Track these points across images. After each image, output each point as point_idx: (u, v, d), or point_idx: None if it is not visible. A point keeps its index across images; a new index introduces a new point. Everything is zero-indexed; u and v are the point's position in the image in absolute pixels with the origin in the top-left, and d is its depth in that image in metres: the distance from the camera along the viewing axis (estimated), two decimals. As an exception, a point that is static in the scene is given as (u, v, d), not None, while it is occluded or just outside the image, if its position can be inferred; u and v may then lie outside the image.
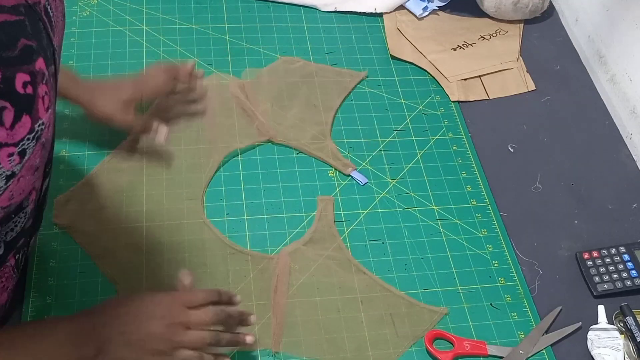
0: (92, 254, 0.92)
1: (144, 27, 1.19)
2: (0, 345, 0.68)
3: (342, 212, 1.01)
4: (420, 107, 1.16)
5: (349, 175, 1.04)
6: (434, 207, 1.03)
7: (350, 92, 1.15)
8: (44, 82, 0.62)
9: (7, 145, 0.58)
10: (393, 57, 1.22)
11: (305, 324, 0.89)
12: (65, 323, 0.72)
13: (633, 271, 0.97)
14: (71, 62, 1.12)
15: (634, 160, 1.13)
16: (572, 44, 1.29)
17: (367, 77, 1.18)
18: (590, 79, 1.24)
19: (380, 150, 1.09)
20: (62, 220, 0.94)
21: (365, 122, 1.12)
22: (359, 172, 1.05)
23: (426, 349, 0.89)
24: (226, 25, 1.22)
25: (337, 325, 0.90)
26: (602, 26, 1.24)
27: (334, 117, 1.11)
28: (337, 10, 1.28)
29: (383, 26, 1.27)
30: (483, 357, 0.90)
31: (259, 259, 0.94)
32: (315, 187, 1.03)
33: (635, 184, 1.10)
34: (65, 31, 1.15)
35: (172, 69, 0.99)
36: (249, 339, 0.79)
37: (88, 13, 1.20)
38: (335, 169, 1.05)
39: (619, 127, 1.17)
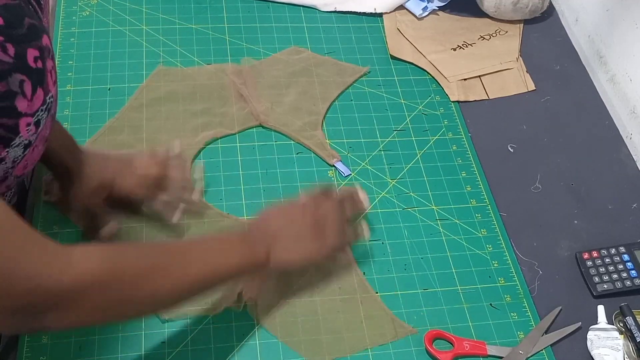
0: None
1: (144, 27, 1.19)
2: (178, 248, 0.75)
3: (342, 212, 1.01)
4: (420, 107, 1.16)
5: (333, 166, 1.05)
6: (433, 207, 1.03)
7: (349, 86, 1.16)
8: (50, 57, 0.66)
9: (26, 115, 0.62)
10: (393, 57, 1.22)
11: (305, 324, 0.89)
12: (236, 233, 0.82)
13: (633, 271, 0.97)
14: (71, 62, 1.12)
15: (634, 160, 1.13)
16: (572, 44, 1.29)
17: (368, 73, 1.18)
18: (590, 79, 1.24)
19: (380, 150, 1.09)
20: (51, 197, 0.95)
21: (365, 122, 1.12)
22: (343, 163, 1.05)
23: (426, 349, 0.88)
24: (226, 25, 1.22)
25: (337, 325, 0.90)
26: (602, 26, 1.24)
27: (329, 108, 1.12)
28: (337, 10, 1.28)
29: (383, 26, 1.27)
30: (483, 357, 0.90)
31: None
32: (315, 187, 1.03)
33: (635, 184, 1.10)
34: (64, 31, 1.16)
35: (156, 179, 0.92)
36: (364, 202, 0.93)
37: (88, 13, 1.20)
38: (321, 159, 1.06)
39: (619, 127, 1.17)
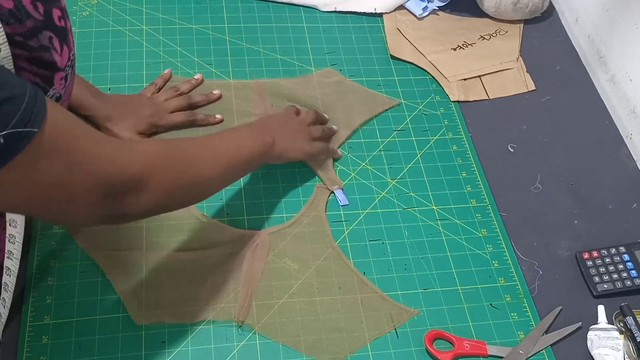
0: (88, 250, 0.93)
1: (144, 27, 1.19)
2: (202, 138, 0.88)
3: (342, 212, 1.01)
4: (420, 107, 1.16)
5: (332, 192, 1.03)
6: (434, 207, 1.03)
7: (375, 116, 1.13)
8: (68, 18, 0.69)
9: (59, 69, 0.66)
10: (393, 57, 1.22)
11: (305, 324, 0.89)
12: (247, 125, 0.96)
13: (633, 271, 0.97)
14: (71, 62, 1.12)
15: (634, 160, 1.13)
16: (572, 44, 1.29)
17: (398, 105, 1.15)
18: (590, 79, 1.24)
19: (380, 150, 1.09)
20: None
21: (365, 122, 1.12)
22: (343, 192, 1.03)
23: (426, 349, 0.89)
24: (226, 25, 1.22)
25: (337, 324, 0.90)
26: (602, 26, 1.24)
27: (349, 136, 1.10)
28: (337, 10, 1.28)
29: (383, 26, 1.27)
30: (483, 357, 0.90)
31: (238, 234, 0.96)
32: (315, 187, 1.03)
33: (635, 184, 1.10)
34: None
35: (191, 113, 1.07)
36: (335, 128, 1.09)
37: (88, 13, 1.20)
38: (322, 181, 1.04)
39: (619, 127, 1.17)
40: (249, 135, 0.91)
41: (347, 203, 1.02)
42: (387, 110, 1.14)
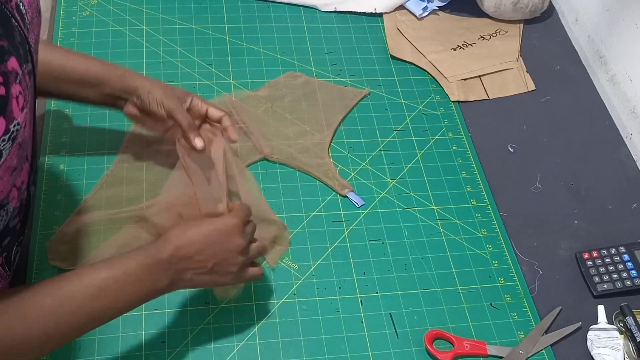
0: None
1: (144, 27, 1.19)
2: (75, 285, 0.71)
3: (342, 212, 1.01)
4: (420, 107, 1.16)
5: (345, 197, 1.02)
6: (434, 207, 1.03)
7: (351, 110, 1.13)
8: (17, 81, 0.61)
9: None
10: (393, 57, 1.22)
11: (305, 324, 0.89)
12: (137, 259, 0.74)
13: (633, 271, 0.97)
14: (71, 62, 1.12)
15: (634, 160, 1.13)
16: (572, 44, 1.30)
17: (368, 95, 1.15)
18: (590, 79, 1.24)
19: (380, 150, 1.09)
20: (56, 262, 0.90)
21: (365, 122, 1.12)
22: (356, 193, 1.02)
23: (426, 349, 0.89)
24: (226, 25, 1.22)
25: (337, 325, 0.90)
26: (602, 26, 1.24)
27: (334, 134, 1.10)
28: (337, 10, 1.28)
29: (383, 26, 1.27)
30: (483, 357, 0.90)
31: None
32: (315, 187, 1.03)
33: (635, 184, 1.10)
34: (65, 31, 1.16)
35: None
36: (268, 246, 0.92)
37: (88, 13, 1.20)
38: (332, 189, 1.03)
39: (618, 127, 1.17)
40: (137, 279, 0.74)
41: (364, 203, 1.02)
42: (387, 110, 1.14)
